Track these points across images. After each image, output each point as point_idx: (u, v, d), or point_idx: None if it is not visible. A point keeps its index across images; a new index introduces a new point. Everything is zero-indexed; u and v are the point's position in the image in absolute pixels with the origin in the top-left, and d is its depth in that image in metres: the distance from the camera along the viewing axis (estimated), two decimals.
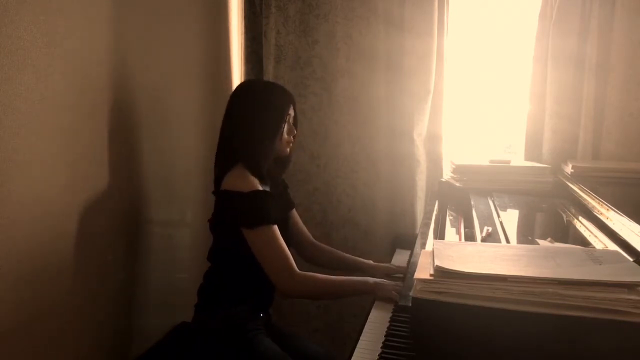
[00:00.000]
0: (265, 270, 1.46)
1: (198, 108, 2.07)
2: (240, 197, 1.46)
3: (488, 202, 1.75)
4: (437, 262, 0.91)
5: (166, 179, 1.85)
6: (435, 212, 1.89)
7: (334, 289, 1.51)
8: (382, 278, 1.63)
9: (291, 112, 1.60)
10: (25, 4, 1.17)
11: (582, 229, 1.43)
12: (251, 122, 1.54)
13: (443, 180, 2.14)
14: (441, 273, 0.90)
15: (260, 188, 1.49)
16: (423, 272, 0.93)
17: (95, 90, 1.45)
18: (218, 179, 1.56)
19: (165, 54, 1.80)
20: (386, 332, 1.20)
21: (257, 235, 1.46)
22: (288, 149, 1.61)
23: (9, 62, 1.12)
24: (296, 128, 1.64)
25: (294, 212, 1.77)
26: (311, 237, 1.81)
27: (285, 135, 1.57)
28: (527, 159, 2.19)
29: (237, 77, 2.36)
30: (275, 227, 1.47)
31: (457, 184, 1.99)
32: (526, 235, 1.42)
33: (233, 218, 1.48)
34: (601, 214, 1.41)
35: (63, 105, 1.31)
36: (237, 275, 1.53)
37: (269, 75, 2.26)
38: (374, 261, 1.78)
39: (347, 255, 1.81)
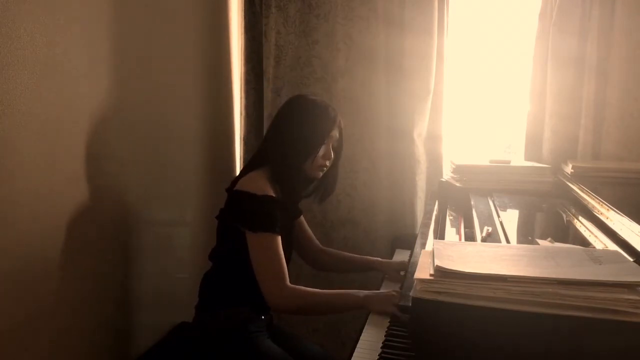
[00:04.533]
0: (257, 277, 1.45)
1: (198, 108, 2.07)
2: (251, 199, 1.45)
3: (488, 202, 1.75)
4: (437, 262, 0.91)
5: (166, 179, 1.85)
6: (435, 212, 1.88)
7: (322, 304, 1.47)
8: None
9: (335, 134, 1.56)
10: (25, 4, 1.17)
11: (582, 229, 1.43)
12: (289, 134, 1.52)
13: (443, 180, 2.14)
14: (441, 273, 0.90)
15: (273, 195, 1.48)
16: (423, 272, 0.93)
17: (95, 90, 1.45)
18: (237, 179, 1.55)
19: (166, 54, 1.80)
20: (386, 332, 1.20)
21: (258, 240, 1.44)
22: (320, 173, 1.57)
23: (9, 62, 1.12)
24: (339, 153, 1.61)
25: (302, 219, 1.76)
26: (319, 244, 1.80)
27: (319, 159, 1.53)
28: (527, 159, 2.19)
29: (237, 77, 2.36)
30: (279, 237, 1.45)
31: (457, 184, 1.98)
32: (526, 235, 1.42)
33: (239, 218, 1.47)
34: (601, 214, 1.41)
35: (63, 105, 1.31)
36: (239, 277, 1.52)
37: (269, 75, 2.25)
38: None
39: (356, 255, 1.81)
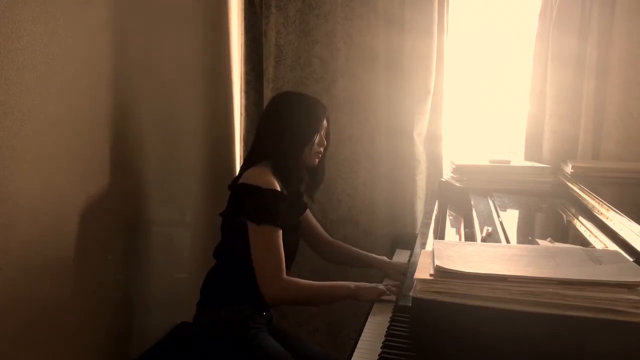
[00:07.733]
0: (255, 268, 1.48)
1: (198, 108, 2.07)
2: (256, 192, 1.48)
3: (488, 202, 1.75)
4: (437, 262, 0.91)
5: (166, 179, 1.85)
6: (435, 212, 1.88)
7: (316, 296, 1.53)
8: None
9: (325, 123, 1.64)
10: (25, 4, 1.17)
11: (582, 229, 1.43)
12: (286, 126, 1.59)
13: (443, 180, 2.14)
14: (441, 273, 0.90)
15: (278, 189, 1.51)
16: (423, 272, 0.93)
17: (95, 90, 1.45)
18: (239, 175, 1.58)
19: (166, 54, 1.80)
20: (386, 332, 1.20)
21: (260, 233, 1.47)
22: (316, 160, 1.64)
23: (9, 62, 1.12)
24: (328, 142, 1.69)
25: (308, 212, 1.80)
26: (326, 235, 1.85)
27: (315, 146, 1.61)
28: (527, 159, 2.19)
29: (237, 77, 2.36)
30: (280, 231, 1.49)
31: (457, 184, 1.99)
32: (526, 235, 1.42)
33: (243, 211, 1.50)
34: (601, 214, 1.41)
35: (63, 105, 1.31)
36: (241, 274, 1.53)
37: (269, 75, 2.25)
38: None
39: (361, 251, 1.84)
